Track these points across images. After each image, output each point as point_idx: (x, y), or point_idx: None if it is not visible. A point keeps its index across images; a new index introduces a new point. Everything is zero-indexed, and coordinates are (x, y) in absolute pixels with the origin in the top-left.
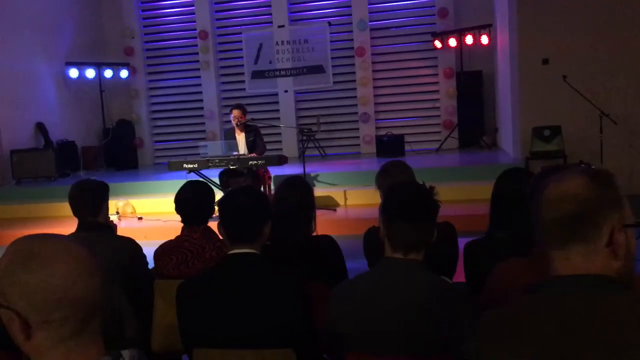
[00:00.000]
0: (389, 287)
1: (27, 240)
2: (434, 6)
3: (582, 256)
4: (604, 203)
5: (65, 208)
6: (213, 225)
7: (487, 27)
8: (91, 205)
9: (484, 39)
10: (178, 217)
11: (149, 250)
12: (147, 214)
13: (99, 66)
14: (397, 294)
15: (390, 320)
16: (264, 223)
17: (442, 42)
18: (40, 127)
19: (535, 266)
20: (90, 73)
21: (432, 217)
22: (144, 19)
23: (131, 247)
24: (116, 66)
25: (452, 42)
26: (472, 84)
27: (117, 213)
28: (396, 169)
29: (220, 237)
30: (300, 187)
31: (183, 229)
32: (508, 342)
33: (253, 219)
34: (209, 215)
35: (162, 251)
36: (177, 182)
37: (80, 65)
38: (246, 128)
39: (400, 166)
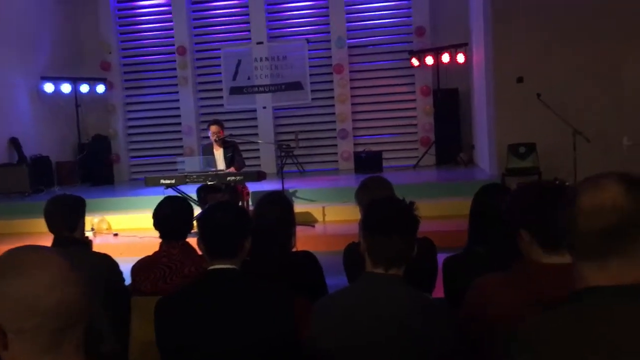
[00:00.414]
0: (369, 302)
1: (9, 252)
2: (411, 25)
3: (621, 267)
4: None
5: (40, 224)
6: (191, 241)
7: (463, 46)
8: (68, 221)
9: (460, 58)
10: (155, 233)
11: (125, 267)
12: (123, 230)
13: (75, 81)
14: (378, 309)
15: (371, 335)
16: (244, 238)
17: (419, 60)
18: (14, 142)
19: (513, 281)
20: (66, 88)
21: (412, 232)
22: (121, 34)
23: (108, 263)
24: (93, 81)
25: (429, 60)
26: (449, 102)
27: (92, 229)
28: (376, 184)
29: (200, 253)
30: (280, 202)
31: (161, 244)
32: (572, 350)
33: (233, 234)
34: (187, 231)
35: (140, 267)
36: (153, 198)
37: (56, 79)
38: (224, 144)
39: (380, 181)
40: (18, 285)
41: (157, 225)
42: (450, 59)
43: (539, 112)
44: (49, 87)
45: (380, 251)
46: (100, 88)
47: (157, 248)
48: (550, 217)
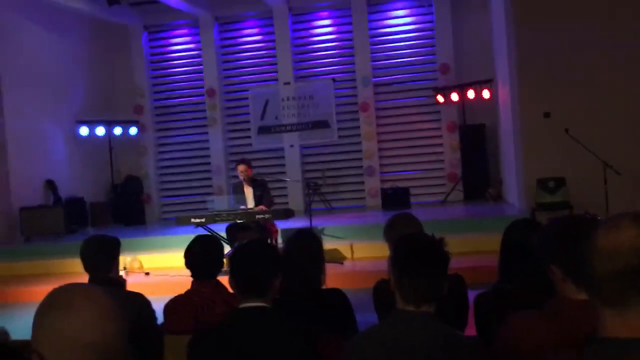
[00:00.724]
0: (401, 340)
1: (57, 288)
2: (435, 62)
3: (639, 314)
4: None
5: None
6: (223, 279)
7: (489, 82)
8: (103, 261)
9: (486, 93)
10: (186, 272)
11: (157, 306)
12: (154, 269)
13: (109, 124)
14: (410, 346)
15: None
16: (274, 276)
17: (444, 96)
18: (50, 184)
19: (547, 318)
20: (100, 131)
21: (443, 268)
22: (153, 77)
23: (141, 302)
24: (125, 124)
25: (454, 96)
26: (476, 137)
27: (125, 269)
28: (404, 221)
29: (231, 291)
30: (309, 239)
31: (193, 283)
32: None
33: (264, 272)
34: (218, 269)
35: (172, 306)
36: (184, 237)
37: (91, 123)
38: (254, 182)
39: (408, 218)
40: (63, 320)
41: (188, 264)
42: (475, 95)
43: (567, 146)
44: (84, 130)
45: (411, 288)
46: (133, 130)
47: (188, 287)
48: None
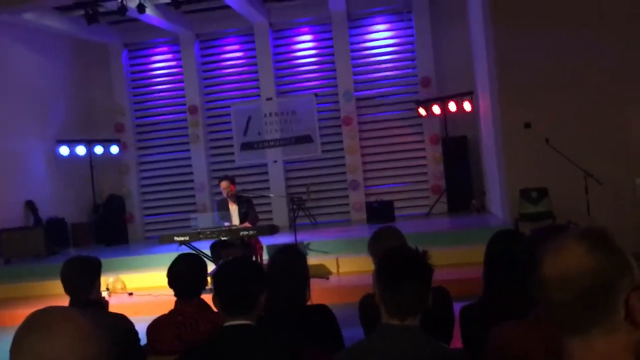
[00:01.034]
0: (386, 354)
1: (36, 312)
2: (416, 75)
3: (604, 338)
4: (614, 272)
5: (56, 286)
6: (206, 297)
7: (469, 94)
8: (84, 282)
9: (467, 106)
10: (169, 291)
11: (140, 326)
12: (138, 289)
13: (90, 143)
14: None
15: None
16: (260, 293)
17: (426, 109)
18: (30, 205)
19: (532, 328)
20: (80, 150)
21: (427, 282)
22: (134, 95)
23: (123, 323)
24: (107, 142)
25: (436, 109)
26: (458, 149)
27: (107, 289)
28: (388, 235)
29: (214, 310)
30: (294, 255)
31: (176, 302)
32: None
33: (248, 290)
34: (201, 287)
35: (155, 326)
36: (168, 256)
37: (71, 142)
38: (238, 199)
39: (391, 231)
40: (43, 343)
41: (171, 283)
42: (457, 107)
43: (549, 157)
44: (64, 150)
45: (394, 301)
46: (114, 149)
47: (171, 306)
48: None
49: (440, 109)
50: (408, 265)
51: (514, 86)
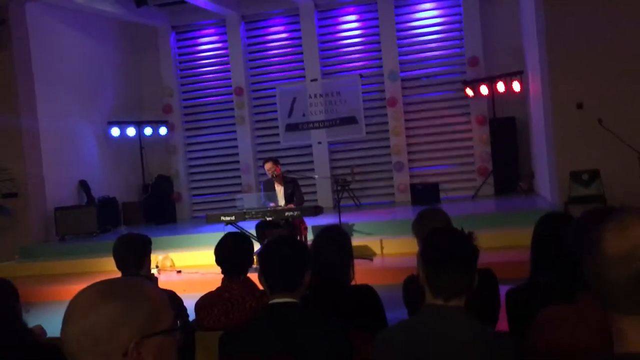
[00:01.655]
0: (430, 334)
1: (82, 291)
2: (464, 55)
3: None
4: None
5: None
6: (253, 276)
7: (519, 74)
8: (135, 259)
9: (516, 86)
10: (216, 269)
11: (188, 303)
12: (185, 267)
13: (139, 124)
14: (439, 342)
15: None
16: (304, 272)
17: (473, 90)
18: (83, 185)
19: (578, 312)
20: (130, 131)
21: (472, 263)
22: (181, 77)
23: (172, 299)
24: (155, 124)
25: (484, 89)
26: (506, 130)
27: (157, 267)
28: (433, 216)
29: (260, 288)
30: (338, 236)
31: (223, 280)
32: None
33: (293, 268)
34: (248, 266)
35: (203, 303)
36: (214, 235)
37: (122, 124)
38: (285, 180)
39: (437, 213)
40: (72, 328)
41: (218, 261)
42: (505, 87)
43: (601, 138)
44: (115, 132)
45: (440, 282)
46: (163, 130)
47: (218, 284)
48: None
49: (488, 89)
50: (453, 245)
51: (565, 65)
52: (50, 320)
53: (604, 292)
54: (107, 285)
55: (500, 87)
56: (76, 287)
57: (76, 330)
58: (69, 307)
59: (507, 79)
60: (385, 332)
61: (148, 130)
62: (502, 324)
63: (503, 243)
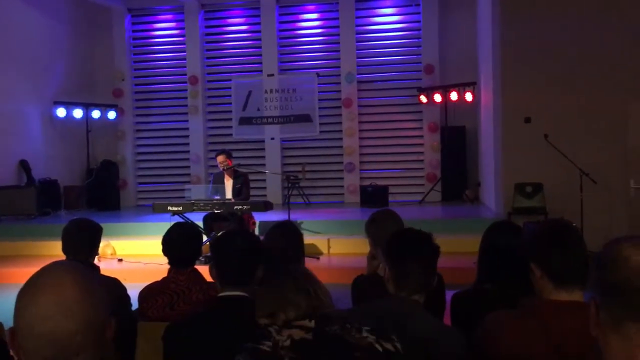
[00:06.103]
0: (396, 316)
1: (44, 268)
2: (420, 62)
3: None
4: None
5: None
6: (199, 268)
7: (472, 85)
8: (89, 245)
9: (468, 96)
10: (160, 259)
11: (130, 293)
12: (127, 255)
13: (87, 106)
14: (401, 323)
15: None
16: (258, 266)
17: (427, 97)
18: (24, 165)
19: (522, 317)
20: (77, 113)
21: (434, 261)
22: (135, 62)
23: (116, 287)
24: (104, 107)
25: (437, 97)
26: (456, 139)
27: (97, 254)
28: (386, 218)
29: (207, 280)
30: (293, 232)
31: (169, 270)
32: None
33: (248, 262)
34: (196, 257)
35: (148, 293)
36: (159, 225)
37: (69, 105)
38: (235, 174)
39: (391, 215)
40: (25, 307)
41: (166, 251)
42: (458, 97)
43: (546, 153)
44: (61, 112)
45: (408, 277)
46: (112, 114)
47: (161, 274)
48: (562, 253)
49: (442, 97)
50: (421, 244)
51: (517, 79)
52: None
53: (623, 303)
54: (79, 274)
55: (454, 96)
56: (10, 271)
57: (76, 325)
58: (51, 303)
59: (461, 88)
60: (354, 308)
61: (96, 113)
62: None
63: (448, 249)
